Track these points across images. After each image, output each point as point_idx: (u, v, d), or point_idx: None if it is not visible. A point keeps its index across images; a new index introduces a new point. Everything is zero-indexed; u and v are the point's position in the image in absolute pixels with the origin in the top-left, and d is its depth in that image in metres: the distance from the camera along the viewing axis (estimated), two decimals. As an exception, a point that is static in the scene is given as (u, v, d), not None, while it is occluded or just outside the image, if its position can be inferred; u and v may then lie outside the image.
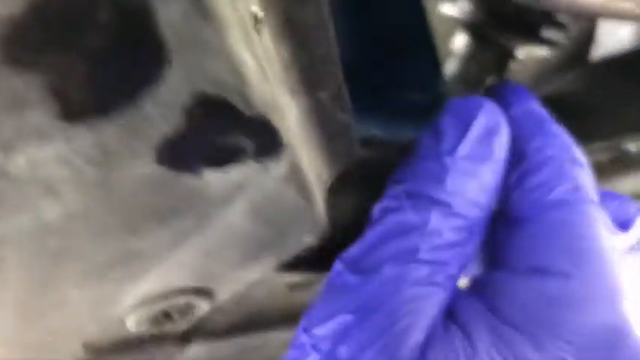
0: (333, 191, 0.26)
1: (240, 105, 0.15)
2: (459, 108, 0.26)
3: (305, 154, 0.21)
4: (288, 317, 0.32)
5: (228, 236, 0.21)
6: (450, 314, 0.23)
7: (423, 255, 0.23)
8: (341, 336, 0.22)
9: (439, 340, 0.22)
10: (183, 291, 0.25)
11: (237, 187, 0.18)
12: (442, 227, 0.23)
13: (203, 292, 0.26)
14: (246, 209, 0.20)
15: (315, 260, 0.29)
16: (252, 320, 0.31)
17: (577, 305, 0.22)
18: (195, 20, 0.12)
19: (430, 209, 0.23)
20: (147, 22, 0.12)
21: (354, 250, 0.24)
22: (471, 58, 0.64)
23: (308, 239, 0.24)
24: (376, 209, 0.24)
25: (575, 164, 0.26)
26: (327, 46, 0.18)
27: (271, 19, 0.16)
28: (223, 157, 0.17)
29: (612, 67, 0.54)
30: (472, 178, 0.24)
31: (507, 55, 0.62)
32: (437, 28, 0.63)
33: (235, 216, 0.20)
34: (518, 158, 0.26)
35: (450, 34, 0.68)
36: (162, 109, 0.14)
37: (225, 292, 0.26)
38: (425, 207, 0.23)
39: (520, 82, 0.74)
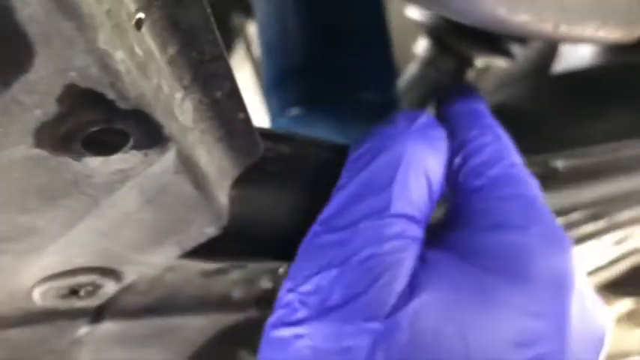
0: (241, 186, 0.27)
1: (114, 97, 0.16)
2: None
3: (204, 149, 0.22)
4: (203, 303, 0.33)
5: (122, 220, 0.22)
6: (424, 265, 0.26)
7: (395, 210, 0.25)
8: (328, 289, 0.24)
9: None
10: (87, 270, 0.26)
11: (122, 174, 0.19)
12: (409, 184, 0.26)
13: (108, 272, 0.27)
14: (137, 196, 0.21)
15: (226, 249, 0.30)
16: (167, 304, 0.32)
17: (535, 251, 0.25)
18: (59, 18, 0.13)
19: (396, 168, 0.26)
20: (9, 18, 0.13)
21: (328, 211, 0.26)
22: (431, 62, 0.65)
23: (210, 230, 0.25)
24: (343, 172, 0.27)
25: (508, 148, 0.30)
26: (215, 45, 0.19)
27: (153, 20, 0.17)
28: (103, 146, 0.17)
29: (560, 83, 0.55)
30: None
31: (466, 64, 0.63)
32: (400, 31, 0.64)
33: (127, 201, 0.21)
34: (460, 144, 0.30)
35: (413, 38, 0.69)
36: (35, 97, 0.15)
37: (132, 274, 0.27)
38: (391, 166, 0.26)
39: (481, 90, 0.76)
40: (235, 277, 0.33)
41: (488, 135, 0.31)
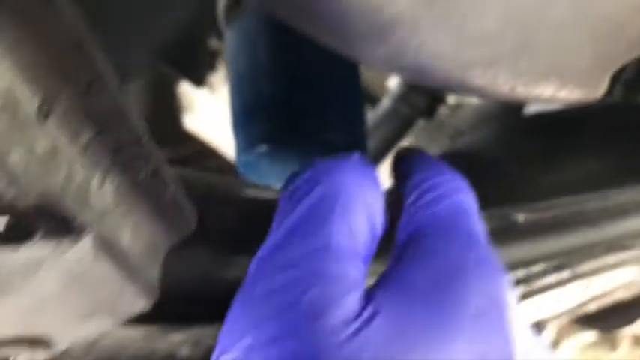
0: (182, 248, 0.26)
1: (12, 197, 0.15)
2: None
3: (128, 228, 0.21)
4: (144, 363, 0.32)
5: (43, 301, 0.21)
6: (367, 305, 0.24)
7: (336, 247, 0.24)
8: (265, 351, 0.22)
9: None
10: (14, 341, 0.25)
11: (34, 263, 0.18)
12: (349, 218, 0.25)
13: (37, 342, 0.25)
14: (56, 280, 0.20)
15: (168, 313, 0.29)
16: (105, 365, 0.30)
17: (470, 277, 0.25)
18: None
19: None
20: None
21: (265, 250, 0.25)
22: (403, 98, 0.65)
23: (141, 304, 0.24)
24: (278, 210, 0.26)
25: (460, 187, 0.30)
26: (133, 131, 0.18)
27: (61, 111, 0.16)
28: (6, 240, 0.16)
29: (530, 126, 0.55)
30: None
31: (438, 100, 0.63)
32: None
33: (45, 285, 0.20)
34: (415, 184, 0.30)
35: (387, 73, 0.68)
36: None
37: (63, 342, 0.26)
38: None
39: (454, 126, 0.76)
40: (180, 338, 0.32)
41: (445, 175, 0.31)
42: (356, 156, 0.29)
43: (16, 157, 0.14)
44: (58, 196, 0.16)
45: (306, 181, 0.27)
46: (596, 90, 0.32)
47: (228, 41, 0.53)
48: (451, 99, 0.61)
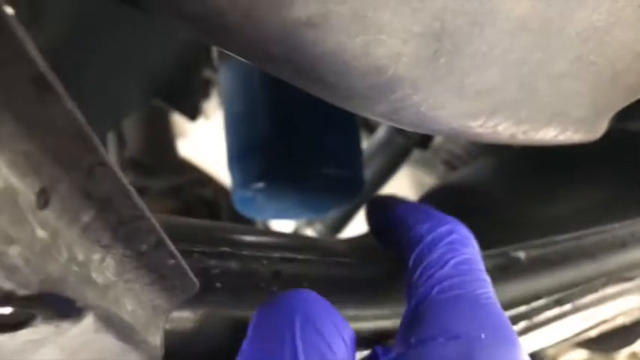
0: (187, 305, 0.25)
1: (12, 288, 0.14)
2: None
3: (131, 296, 0.21)
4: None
5: (43, 373, 0.20)
6: None
7: None
8: None
9: None
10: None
11: (33, 343, 0.17)
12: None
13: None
14: (57, 354, 0.19)
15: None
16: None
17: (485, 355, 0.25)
18: None
19: None
20: None
21: None
22: (398, 128, 0.65)
23: (145, 370, 0.23)
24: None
25: (464, 240, 0.30)
26: (135, 208, 0.17)
27: (61, 196, 0.16)
28: (6, 325, 0.16)
29: (526, 158, 0.55)
30: None
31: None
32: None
33: (46, 358, 0.19)
34: (410, 243, 0.30)
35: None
36: None
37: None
38: None
39: (448, 150, 0.76)
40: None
41: (444, 226, 0.30)
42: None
43: (15, 250, 0.14)
44: (59, 281, 0.16)
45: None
46: (594, 133, 0.33)
47: (223, 79, 0.53)
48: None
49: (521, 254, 0.40)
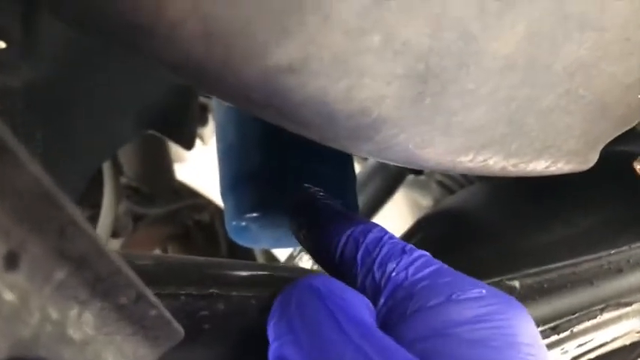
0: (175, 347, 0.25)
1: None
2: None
3: (113, 348, 0.20)
4: None
5: None
6: None
7: None
8: None
9: None
10: None
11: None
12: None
13: None
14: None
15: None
16: None
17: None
18: None
19: None
20: None
21: None
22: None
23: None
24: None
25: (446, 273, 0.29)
26: (111, 264, 0.17)
27: (32, 256, 0.15)
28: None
29: (520, 182, 0.55)
30: None
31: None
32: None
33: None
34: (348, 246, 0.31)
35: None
36: None
37: None
38: None
39: (442, 176, 0.75)
40: None
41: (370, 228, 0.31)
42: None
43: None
44: (30, 343, 0.15)
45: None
46: (586, 164, 0.32)
47: (217, 109, 0.53)
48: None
49: (517, 283, 0.39)
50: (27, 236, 0.14)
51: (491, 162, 0.28)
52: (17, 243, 0.14)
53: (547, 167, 0.31)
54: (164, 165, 0.93)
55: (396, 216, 1.19)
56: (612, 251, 0.45)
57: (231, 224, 0.52)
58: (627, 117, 0.30)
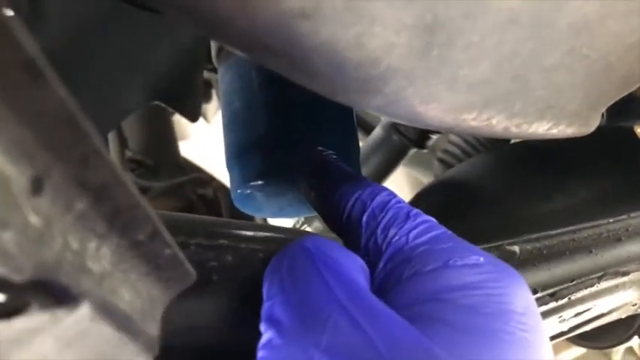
0: (183, 297, 0.26)
1: (5, 274, 0.15)
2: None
3: (128, 286, 0.21)
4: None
5: (41, 363, 0.21)
6: None
7: None
8: None
9: None
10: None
11: (28, 332, 0.17)
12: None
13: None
14: (52, 344, 0.19)
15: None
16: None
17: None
18: None
19: None
20: None
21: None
22: (394, 127, 0.65)
23: (143, 360, 0.23)
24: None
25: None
26: (130, 197, 0.18)
27: (55, 183, 0.16)
28: (0, 314, 0.16)
29: (519, 153, 0.55)
30: None
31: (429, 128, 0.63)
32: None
33: (40, 349, 0.20)
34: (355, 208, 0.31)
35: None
36: None
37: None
38: None
39: (444, 153, 0.76)
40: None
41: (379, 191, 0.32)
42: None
43: (8, 235, 0.14)
44: (53, 267, 0.16)
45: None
46: (587, 127, 0.33)
47: (222, 79, 0.54)
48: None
49: (517, 248, 0.40)
50: (51, 162, 0.15)
51: (494, 121, 0.29)
52: (42, 168, 0.15)
53: (549, 129, 0.32)
54: (168, 139, 0.94)
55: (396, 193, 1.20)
56: (611, 220, 0.45)
57: (236, 192, 0.53)
58: (629, 78, 0.30)
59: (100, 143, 0.16)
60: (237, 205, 0.54)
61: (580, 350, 1.22)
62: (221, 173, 1.12)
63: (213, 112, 1.32)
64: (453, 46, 0.23)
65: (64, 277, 0.17)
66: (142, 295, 0.22)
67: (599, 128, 0.50)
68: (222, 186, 1.05)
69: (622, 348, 1.37)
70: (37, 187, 0.15)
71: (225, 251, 0.27)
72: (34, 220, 0.15)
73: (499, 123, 0.29)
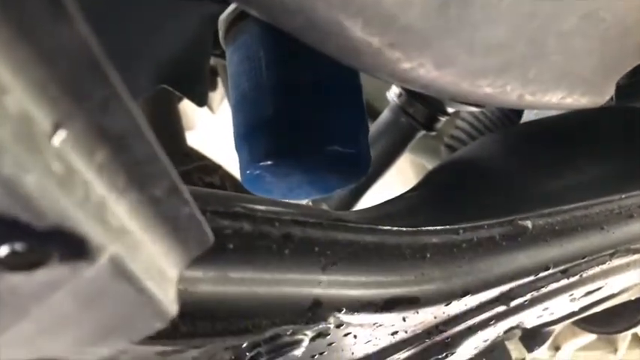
0: (198, 265, 0.26)
1: (28, 220, 0.15)
2: None
3: (145, 246, 0.21)
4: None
5: (58, 323, 0.20)
6: None
7: None
8: None
9: None
10: (25, 364, 0.24)
11: (48, 285, 0.17)
12: None
13: (50, 364, 0.25)
14: (72, 301, 0.19)
15: (184, 331, 0.29)
16: (119, 386, 0.30)
17: None
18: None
19: None
20: None
21: None
22: (403, 109, 0.65)
23: (158, 324, 0.23)
24: None
25: None
26: (150, 147, 0.17)
27: (76, 131, 0.16)
28: (22, 264, 0.16)
29: (530, 132, 0.55)
30: None
31: (438, 110, 0.63)
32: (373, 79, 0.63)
33: (60, 306, 0.19)
34: None
35: (387, 84, 0.68)
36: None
37: (78, 364, 0.26)
38: None
39: (450, 138, 0.75)
40: (195, 354, 0.31)
41: None
42: None
43: (31, 180, 0.14)
44: (74, 218, 0.16)
45: None
46: (601, 96, 0.32)
47: (230, 60, 0.53)
48: (450, 109, 0.61)
49: (529, 223, 0.40)
50: (72, 106, 0.15)
51: (509, 88, 0.29)
52: (64, 114, 0.15)
53: (563, 98, 0.32)
54: (175, 126, 0.93)
55: (400, 182, 1.20)
56: (623, 195, 0.45)
57: (245, 173, 0.53)
58: (645, 45, 0.30)
59: (122, 87, 0.15)
60: (247, 186, 0.54)
61: (585, 339, 1.22)
62: (227, 163, 1.12)
63: (219, 101, 1.32)
64: (471, 5, 0.23)
65: (84, 228, 0.17)
66: (159, 258, 0.22)
67: (609, 108, 0.50)
68: (229, 174, 1.05)
69: (629, 337, 1.37)
70: (59, 133, 0.15)
71: (241, 219, 0.27)
72: (55, 166, 0.15)
73: (514, 90, 0.29)
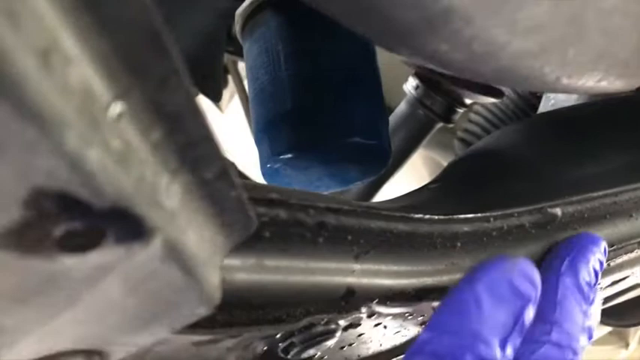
0: (235, 254, 0.25)
1: (87, 197, 0.14)
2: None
3: (194, 229, 0.20)
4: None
5: (106, 308, 0.20)
6: None
7: None
8: None
9: None
10: (70, 353, 0.24)
11: (101, 269, 0.17)
12: None
13: (93, 353, 0.25)
14: (121, 285, 0.19)
15: (222, 320, 0.28)
16: (156, 376, 0.30)
17: None
18: (18, 123, 0.12)
19: None
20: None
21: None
22: (420, 101, 0.64)
23: (201, 311, 0.23)
24: None
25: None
26: (202, 127, 0.17)
27: (133, 107, 0.15)
28: (77, 245, 0.16)
29: (551, 122, 0.54)
30: None
31: (456, 102, 0.62)
32: (391, 69, 0.63)
33: (110, 291, 0.19)
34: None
35: (404, 76, 0.68)
36: (-2, 202, 0.14)
37: (119, 353, 0.25)
38: None
39: (464, 132, 0.75)
40: (230, 344, 0.31)
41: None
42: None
43: (93, 153, 0.13)
44: (130, 197, 0.15)
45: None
46: (634, 81, 0.32)
47: (247, 54, 0.53)
48: (468, 100, 0.61)
49: (558, 211, 0.39)
50: (132, 81, 0.15)
51: (547, 70, 0.28)
52: (124, 90, 0.15)
53: (599, 81, 0.31)
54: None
55: (414, 179, 1.19)
56: (650, 185, 0.45)
57: (265, 167, 0.52)
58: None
59: (181, 64, 0.15)
60: (267, 179, 0.54)
61: (597, 333, 1.21)
62: (237, 164, 1.11)
63: (227, 101, 1.31)
64: (515, -18, 0.22)
65: (139, 209, 0.16)
66: (207, 239, 0.21)
67: (626, 97, 0.49)
68: (240, 172, 1.05)
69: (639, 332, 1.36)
70: (119, 107, 0.15)
71: (276, 206, 0.27)
72: (115, 143, 0.15)
73: (552, 72, 0.29)
